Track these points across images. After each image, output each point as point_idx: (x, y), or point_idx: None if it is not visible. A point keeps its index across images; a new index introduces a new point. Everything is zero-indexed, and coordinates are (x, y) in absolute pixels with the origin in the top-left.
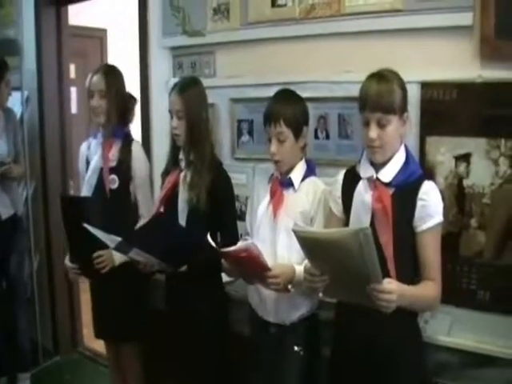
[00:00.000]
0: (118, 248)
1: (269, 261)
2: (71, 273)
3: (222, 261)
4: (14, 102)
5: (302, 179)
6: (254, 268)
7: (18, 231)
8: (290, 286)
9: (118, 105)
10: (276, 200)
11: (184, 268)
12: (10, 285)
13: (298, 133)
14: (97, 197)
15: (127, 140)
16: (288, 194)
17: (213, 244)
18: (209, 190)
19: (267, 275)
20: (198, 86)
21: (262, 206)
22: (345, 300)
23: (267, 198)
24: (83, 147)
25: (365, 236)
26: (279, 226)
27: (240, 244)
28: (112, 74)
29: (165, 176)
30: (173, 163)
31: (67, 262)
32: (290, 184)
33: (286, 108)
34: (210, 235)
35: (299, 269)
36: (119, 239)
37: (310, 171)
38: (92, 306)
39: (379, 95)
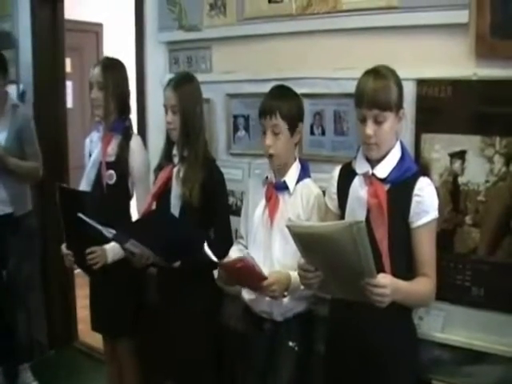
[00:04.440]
0: (116, 238)
1: (265, 265)
2: (67, 259)
3: (218, 270)
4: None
5: (297, 182)
6: (249, 278)
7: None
8: (285, 293)
9: (116, 98)
10: (272, 204)
11: (177, 264)
12: (9, 282)
13: (292, 128)
14: (95, 192)
15: (127, 134)
16: (283, 198)
17: (211, 256)
18: (202, 186)
19: (263, 285)
20: (192, 81)
21: (258, 211)
22: (339, 297)
23: (263, 202)
24: (87, 141)
25: (358, 229)
26: (275, 231)
27: (235, 256)
28: (111, 67)
29: (158, 171)
30: (166, 158)
31: (63, 248)
32: (284, 187)
33: (282, 102)
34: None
35: (294, 275)
36: (115, 231)
37: (304, 173)
38: (90, 300)
39: (376, 92)
